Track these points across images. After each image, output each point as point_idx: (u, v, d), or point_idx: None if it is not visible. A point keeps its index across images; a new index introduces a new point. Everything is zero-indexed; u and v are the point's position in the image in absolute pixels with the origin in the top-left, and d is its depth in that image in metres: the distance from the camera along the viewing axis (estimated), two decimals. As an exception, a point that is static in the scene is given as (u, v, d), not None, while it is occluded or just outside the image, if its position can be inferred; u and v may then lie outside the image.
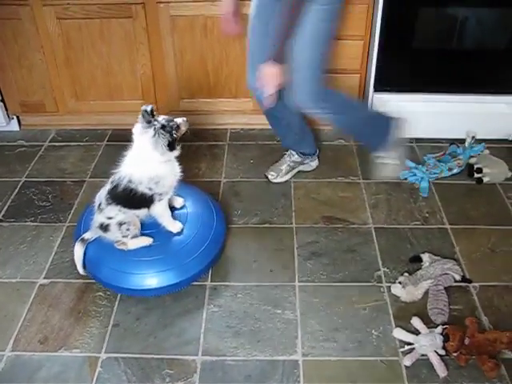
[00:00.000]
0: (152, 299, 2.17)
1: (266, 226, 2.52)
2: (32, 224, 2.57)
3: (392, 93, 2.92)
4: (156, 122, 1.98)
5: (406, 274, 2.20)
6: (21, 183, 2.84)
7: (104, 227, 2.13)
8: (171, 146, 2.02)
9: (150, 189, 2.07)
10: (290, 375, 1.89)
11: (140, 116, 2.00)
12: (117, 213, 2.11)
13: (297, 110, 2.48)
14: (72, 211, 2.64)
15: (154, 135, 1.97)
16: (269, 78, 2.16)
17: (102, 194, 2.14)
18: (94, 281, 2.23)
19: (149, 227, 2.21)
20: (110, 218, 2.11)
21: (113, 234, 2.14)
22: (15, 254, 2.40)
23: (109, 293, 2.20)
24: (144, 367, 1.93)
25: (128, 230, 2.12)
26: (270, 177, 2.80)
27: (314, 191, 2.73)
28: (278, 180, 2.80)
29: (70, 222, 2.57)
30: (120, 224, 2.11)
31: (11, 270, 2.33)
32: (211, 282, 2.24)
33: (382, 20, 2.69)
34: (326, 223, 2.52)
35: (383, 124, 2.59)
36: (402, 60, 2.84)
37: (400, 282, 2.16)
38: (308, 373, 1.90)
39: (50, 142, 3.17)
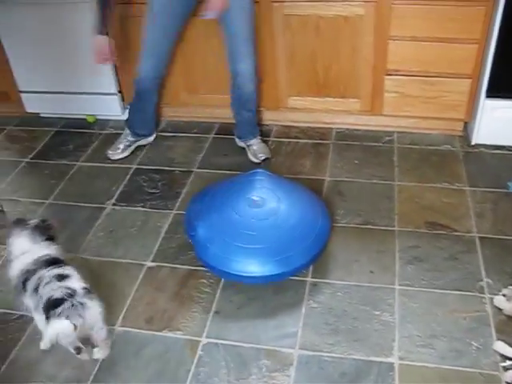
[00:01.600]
0: (253, 290, 2.22)
1: (368, 226, 2.52)
2: (142, 209, 2.70)
3: (505, 99, 2.84)
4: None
5: (511, 287, 2.14)
6: (132, 170, 2.99)
7: None
8: None
9: None
10: (385, 377, 1.89)
11: None
12: None
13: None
14: (179, 199, 2.75)
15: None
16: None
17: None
18: (197, 268, 2.32)
19: (257, 215, 2.25)
20: None
21: None
22: (125, 237, 2.55)
23: (212, 281, 2.28)
24: (242, 355, 1.99)
25: None
26: (109, 156, 3.10)
27: (417, 195, 2.69)
28: (117, 157, 3.09)
29: (177, 209, 2.68)
30: None
31: (122, 251, 2.47)
32: (312, 278, 2.27)
33: (501, 23, 2.61)
34: (428, 228, 2.49)
35: None
36: (519, 66, 2.74)
37: (504, 295, 2.10)
38: (403, 377, 1.89)
39: (160, 131, 3.31)
